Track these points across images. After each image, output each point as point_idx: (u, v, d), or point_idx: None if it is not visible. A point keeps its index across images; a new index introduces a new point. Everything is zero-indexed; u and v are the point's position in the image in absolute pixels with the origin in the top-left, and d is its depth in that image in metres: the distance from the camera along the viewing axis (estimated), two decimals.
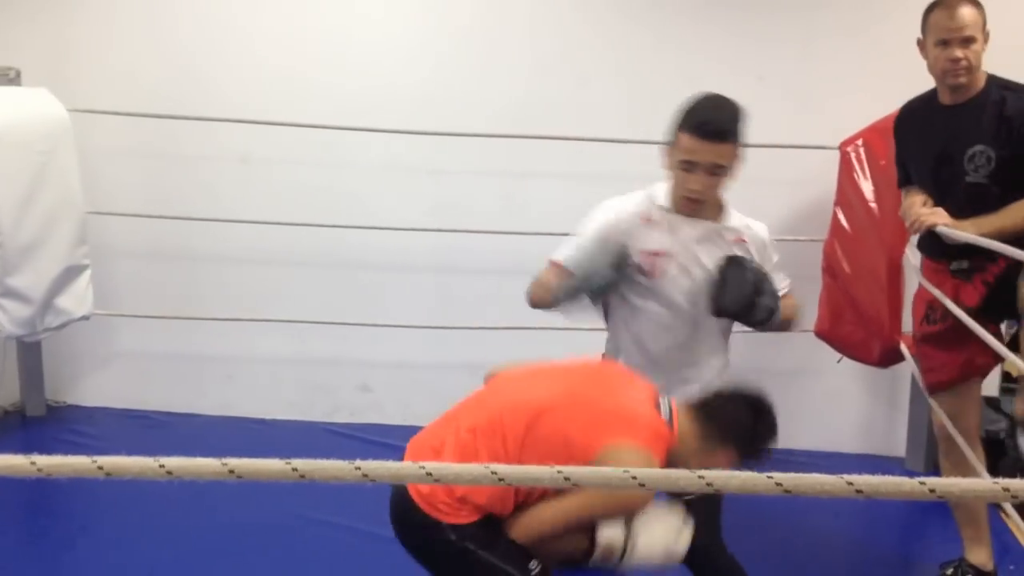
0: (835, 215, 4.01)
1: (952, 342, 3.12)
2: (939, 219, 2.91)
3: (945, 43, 2.87)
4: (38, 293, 4.01)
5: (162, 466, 1.19)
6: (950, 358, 3.14)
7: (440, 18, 4.37)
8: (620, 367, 2.60)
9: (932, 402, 3.26)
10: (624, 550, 2.26)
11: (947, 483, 1.11)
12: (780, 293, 2.60)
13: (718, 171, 2.46)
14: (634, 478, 1.18)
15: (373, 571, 3.27)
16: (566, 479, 1.19)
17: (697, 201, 2.51)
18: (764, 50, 4.24)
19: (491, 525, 2.24)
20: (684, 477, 1.15)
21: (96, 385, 4.71)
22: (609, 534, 2.25)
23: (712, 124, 2.42)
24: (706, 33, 4.27)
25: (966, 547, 3.16)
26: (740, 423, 2.29)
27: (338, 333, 4.46)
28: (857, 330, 3.92)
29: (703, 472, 1.16)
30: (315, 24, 4.39)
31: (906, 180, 3.20)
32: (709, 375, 2.65)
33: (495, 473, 1.19)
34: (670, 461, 2.21)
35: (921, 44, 2.98)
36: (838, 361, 4.10)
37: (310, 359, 4.62)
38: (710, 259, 2.55)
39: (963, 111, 2.94)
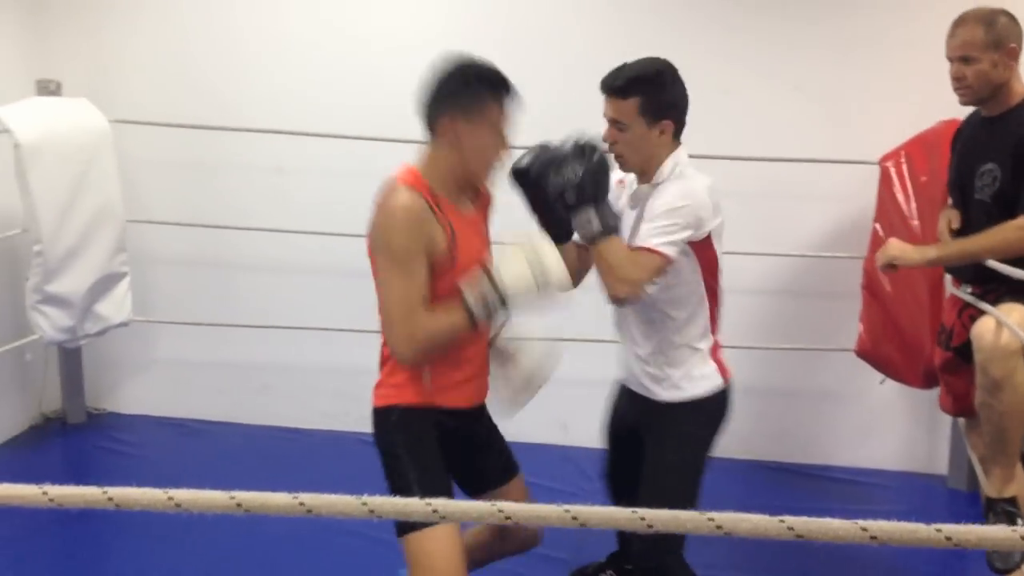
0: (875, 232, 3.93)
1: (951, 372, 3.14)
2: (890, 250, 3.00)
3: (950, 60, 2.92)
4: (78, 300, 4.08)
5: (171, 498, 1.19)
6: (949, 388, 3.18)
7: (472, 28, 4.36)
8: None
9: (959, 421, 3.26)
10: (495, 290, 2.24)
11: (964, 531, 1.08)
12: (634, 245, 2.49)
13: (619, 126, 2.54)
14: (645, 519, 1.16)
15: None
16: (573, 519, 1.18)
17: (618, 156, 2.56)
18: (801, 60, 4.17)
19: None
20: (692, 520, 1.13)
21: (135, 392, 4.77)
22: (471, 289, 2.25)
23: (605, 78, 2.54)
24: (740, 41, 4.20)
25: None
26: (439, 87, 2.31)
27: (372, 343, 4.44)
28: (899, 351, 3.85)
29: (712, 515, 1.14)
30: (350, 34, 4.40)
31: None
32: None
33: (501, 511, 1.17)
34: (438, 183, 2.33)
35: None
36: (881, 383, 4.03)
37: (344, 368, 4.62)
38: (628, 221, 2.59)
39: (989, 127, 2.93)
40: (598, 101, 2.60)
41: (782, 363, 4.36)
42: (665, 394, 2.63)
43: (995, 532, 1.06)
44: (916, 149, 3.81)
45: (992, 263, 2.74)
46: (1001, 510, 2.77)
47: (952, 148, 3.16)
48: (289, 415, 4.63)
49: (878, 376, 4.03)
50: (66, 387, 4.62)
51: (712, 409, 2.67)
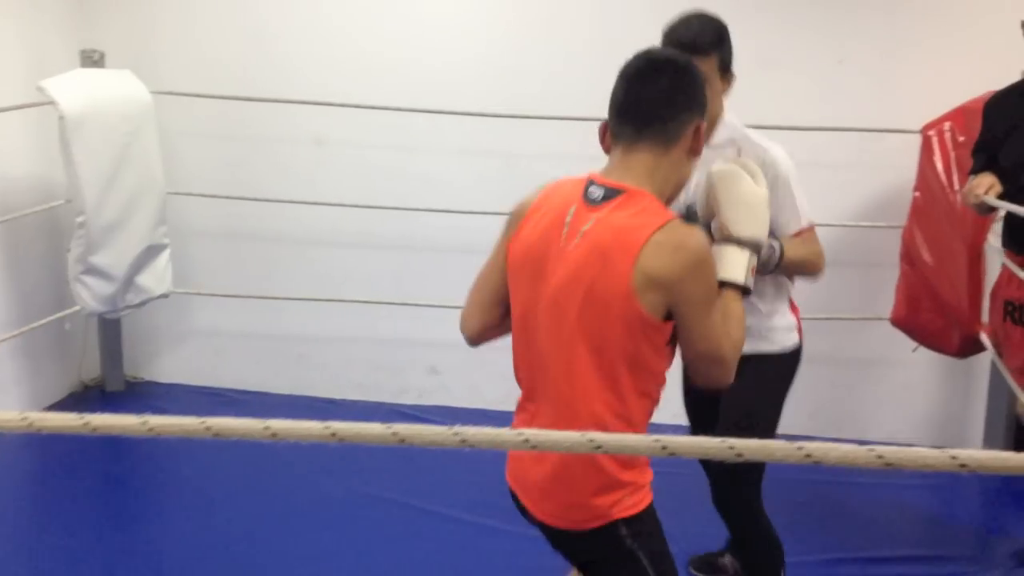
0: (915, 201, 3.89)
1: None
2: (982, 190, 2.87)
3: None
4: (120, 271, 4.10)
5: (208, 427, 1.20)
6: None
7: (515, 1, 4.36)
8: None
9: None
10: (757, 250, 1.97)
11: None
12: (792, 231, 2.46)
13: None
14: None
15: (429, 545, 3.36)
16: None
17: None
18: (845, 26, 4.12)
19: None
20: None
21: (172, 362, 4.82)
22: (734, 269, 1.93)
23: (683, 36, 2.39)
24: (784, 7, 4.16)
25: None
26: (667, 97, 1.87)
27: (407, 315, 4.49)
28: (936, 319, 3.81)
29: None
30: (390, 6, 4.40)
31: (982, 169, 3.08)
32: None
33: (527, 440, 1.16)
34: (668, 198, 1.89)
35: None
36: (913, 350, 4.00)
37: (379, 340, 4.65)
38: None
39: None
40: None
41: (817, 332, 4.31)
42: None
43: None
44: (961, 118, 3.76)
45: None
46: None
47: (995, 121, 3.07)
48: (324, 386, 4.66)
49: (911, 345, 4.00)
50: (105, 356, 4.69)
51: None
